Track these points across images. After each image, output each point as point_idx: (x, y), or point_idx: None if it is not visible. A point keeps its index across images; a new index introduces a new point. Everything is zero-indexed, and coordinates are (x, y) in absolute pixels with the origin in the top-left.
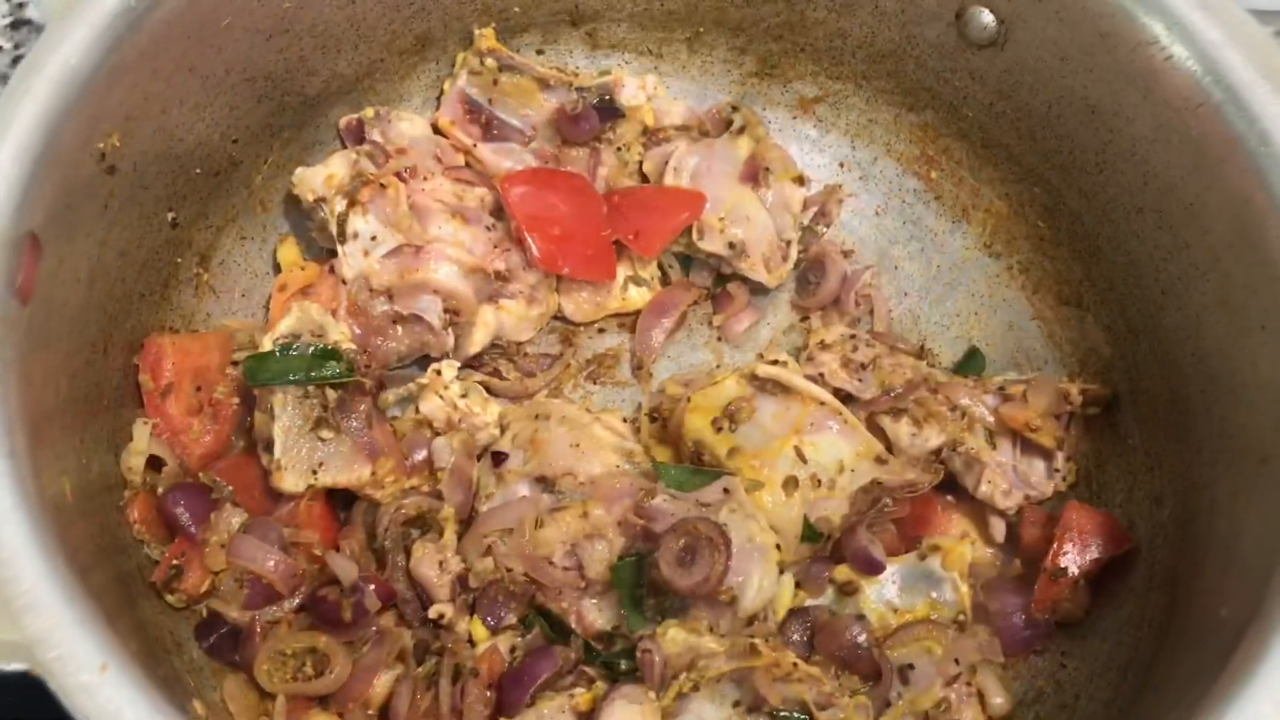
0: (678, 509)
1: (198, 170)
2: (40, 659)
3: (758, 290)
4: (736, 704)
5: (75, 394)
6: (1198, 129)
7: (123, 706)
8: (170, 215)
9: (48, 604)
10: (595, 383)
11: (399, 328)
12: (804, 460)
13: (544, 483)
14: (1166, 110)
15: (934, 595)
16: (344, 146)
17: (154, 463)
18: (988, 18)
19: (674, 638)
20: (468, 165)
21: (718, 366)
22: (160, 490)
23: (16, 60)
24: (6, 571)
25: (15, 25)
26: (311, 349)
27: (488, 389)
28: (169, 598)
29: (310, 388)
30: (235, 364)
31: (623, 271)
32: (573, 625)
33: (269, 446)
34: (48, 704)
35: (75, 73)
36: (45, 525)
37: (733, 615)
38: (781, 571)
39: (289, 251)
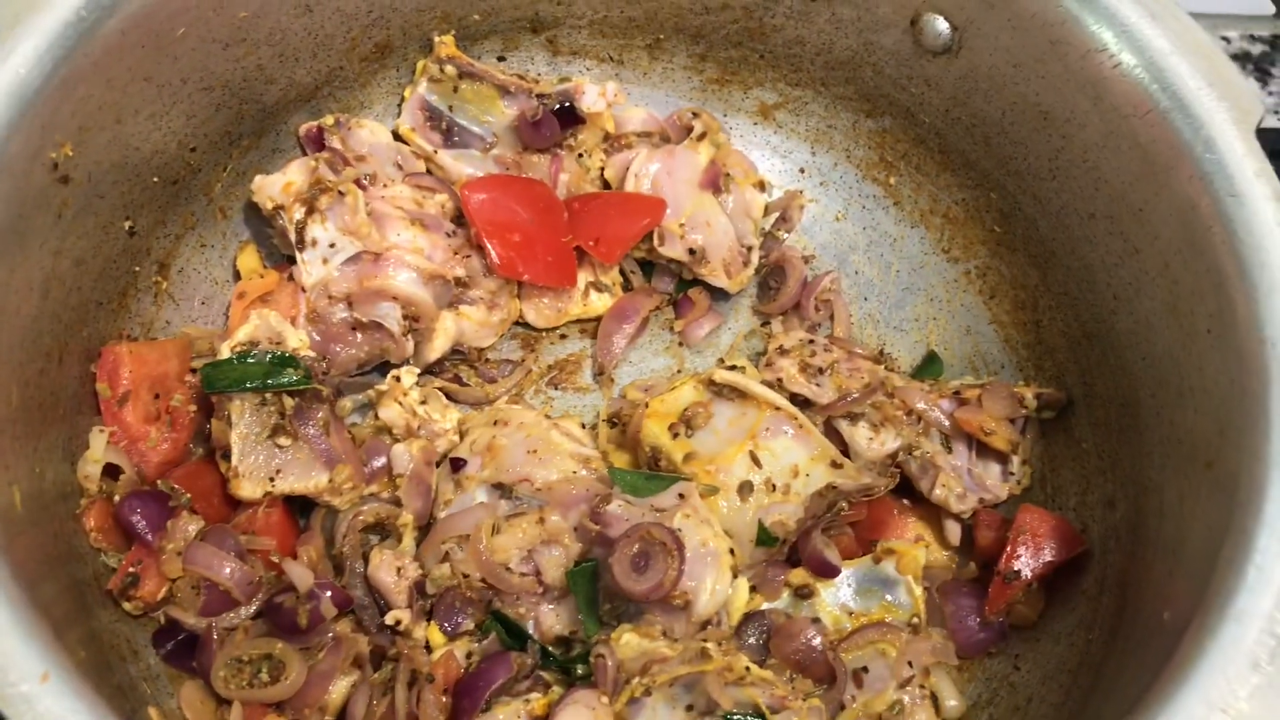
0: (633, 514)
1: (155, 179)
2: None
3: (719, 295)
4: (689, 708)
5: (28, 402)
6: (1146, 135)
7: (64, 716)
8: (128, 224)
9: None
10: (557, 388)
11: (358, 334)
12: (759, 465)
13: (501, 489)
14: (1116, 117)
15: (889, 598)
16: (304, 154)
17: (111, 470)
18: (942, 25)
19: (628, 642)
20: (429, 172)
21: (679, 371)
22: (117, 498)
23: None
24: None
25: None
26: (269, 356)
27: (448, 395)
28: (126, 605)
29: (268, 395)
30: (194, 372)
31: (584, 277)
32: (529, 630)
33: (226, 454)
34: None
35: (25, 83)
36: None
37: (687, 620)
38: (736, 576)
39: (249, 259)
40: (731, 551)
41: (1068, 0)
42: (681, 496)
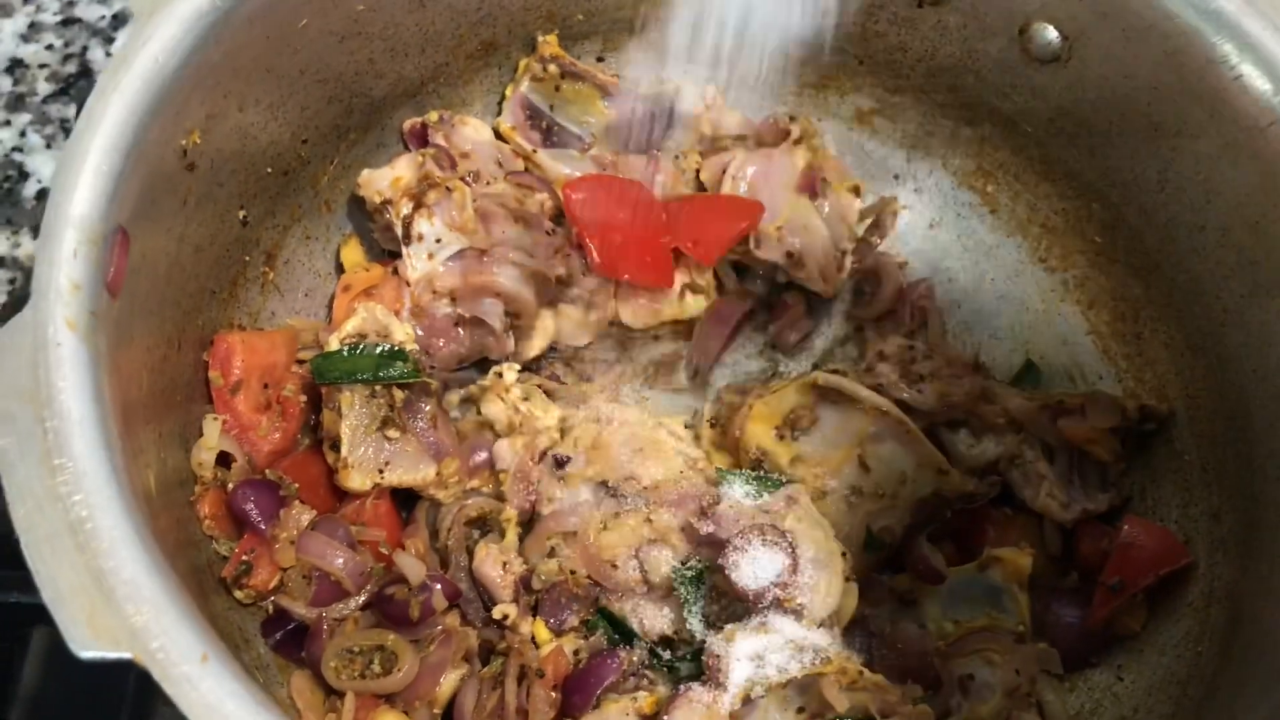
0: (742, 516)
1: (268, 169)
2: (144, 648)
3: (812, 300)
4: (800, 710)
5: (154, 388)
6: (1267, 148)
7: (224, 698)
8: (241, 213)
9: (148, 594)
10: (652, 388)
11: (461, 330)
12: (867, 470)
13: (607, 487)
14: (1234, 129)
15: (993, 606)
16: (406, 149)
17: (223, 459)
18: (1052, 34)
19: (742, 642)
20: (528, 171)
21: (773, 375)
22: (230, 486)
23: (67, 58)
24: (108, 562)
25: (65, 23)
26: (379, 349)
27: (546, 392)
28: (237, 593)
29: (377, 387)
30: (300, 363)
31: (680, 279)
32: (635, 628)
33: (336, 445)
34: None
35: (163, 70)
36: (140, 516)
37: (800, 623)
38: (848, 580)
39: (352, 252)
40: (844, 555)
41: (1186, 12)
42: (791, 499)
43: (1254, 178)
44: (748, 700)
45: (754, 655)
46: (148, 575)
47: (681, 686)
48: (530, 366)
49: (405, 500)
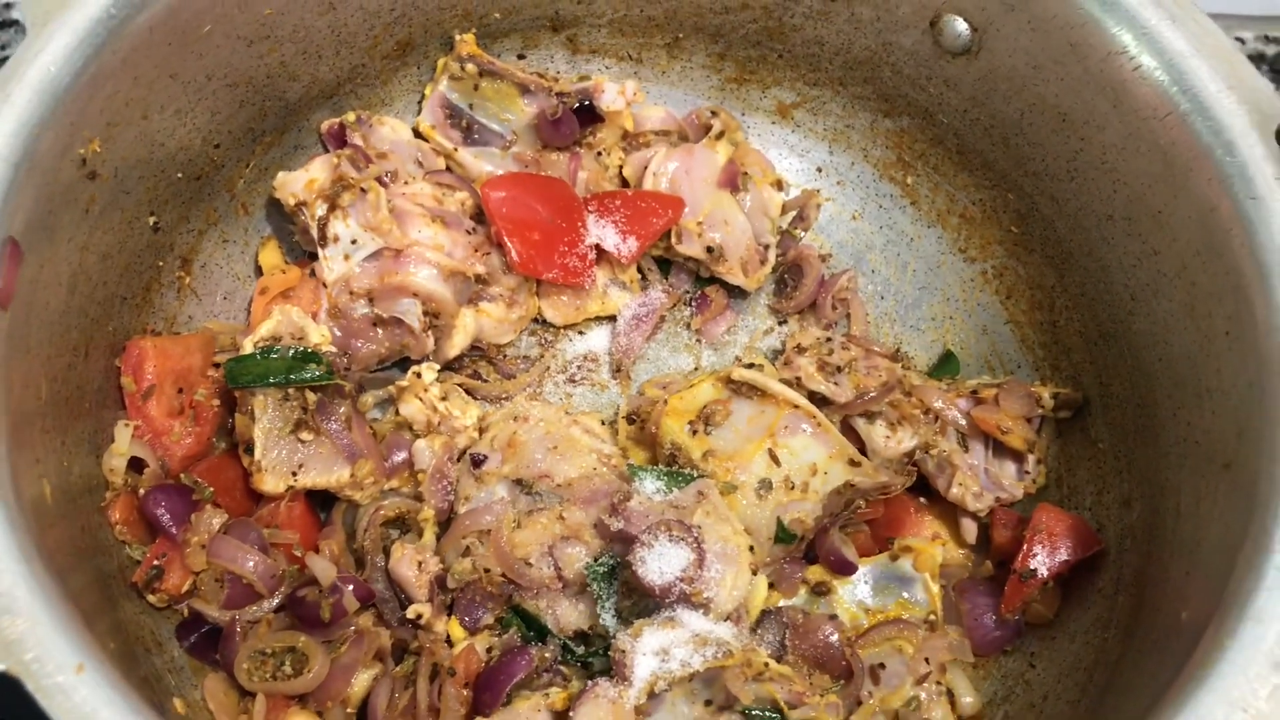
0: (652, 511)
1: (179, 175)
2: (17, 659)
3: (736, 294)
4: (708, 703)
5: (56, 397)
6: (1166, 138)
7: (99, 707)
8: (152, 219)
9: (24, 606)
10: (575, 384)
11: (379, 330)
12: (778, 463)
13: (521, 485)
14: (1135, 119)
15: (905, 595)
16: (325, 150)
17: (135, 464)
18: (962, 26)
19: (647, 637)
20: (448, 169)
21: (696, 369)
22: (141, 491)
23: (2, 61)
24: None
25: (2, 25)
26: (292, 352)
27: (468, 391)
28: (150, 597)
29: (290, 390)
30: (217, 366)
31: (602, 275)
32: (549, 625)
33: (250, 448)
34: (26, 704)
35: (56, 80)
36: (23, 528)
37: (707, 616)
38: (755, 573)
39: (271, 254)
40: (751, 549)
41: (1088, 3)
42: (701, 494)
43: (1155, 167)
44: (654, 694)
45: (659, 650)
46: (26, 587)
47: (589, 682)
48: (452, 365)
49: (324, 502)
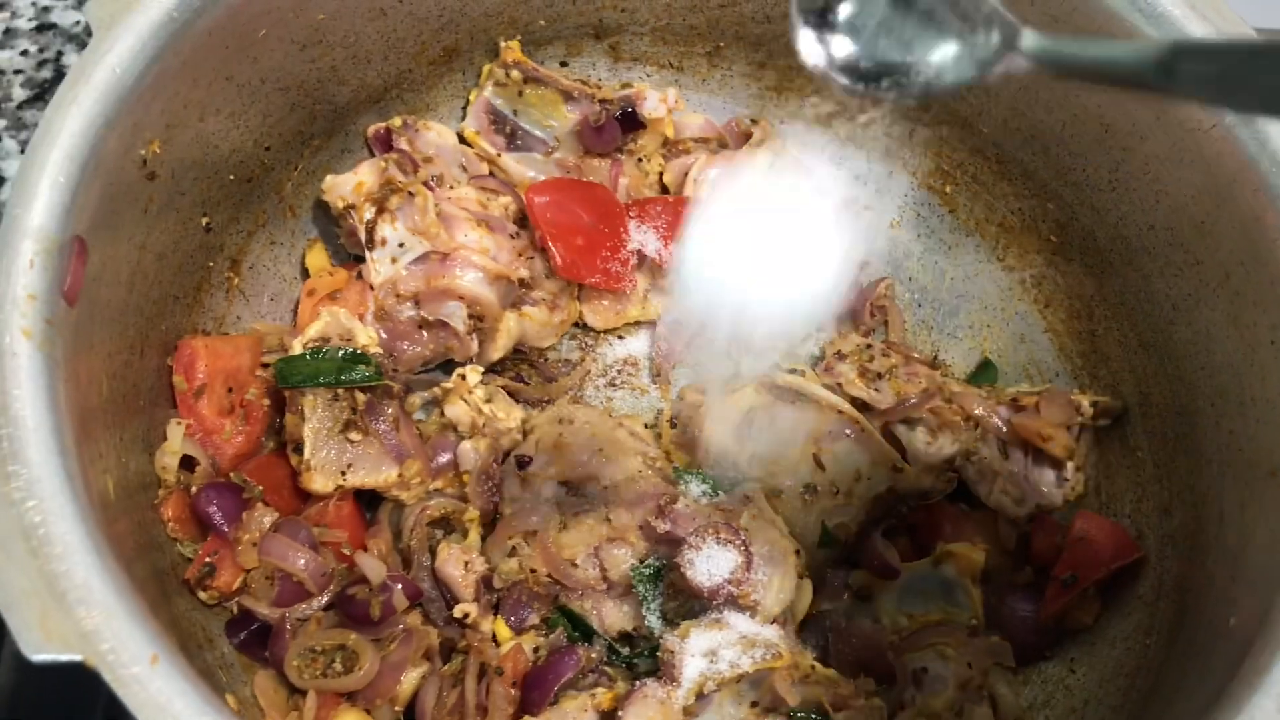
0: (699, 514)
1: (231, 177)
2: (94, 650)
3: None
4: (755, 704)
5: (115, 394)
6: (1210, 149)
7: (173, 698)
8: (204, 220)
9: (100, 598)
10: (615, 389)
11: (424, 332)
12: (822, 468)
13: (567, 486)
14: (1180, 130)
15: (947, 600)
16: (371, 154)
17: (187, 462)
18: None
19: (695, 639)
20: (492, 174)
21: (735, 374)
22: (193, 489)
23: (42, 64)
24: (60, 566)
25: (40, 29)
26: (341, 352)
27: (510, 393)
28: (201, 594)
29: (340, 390)
30: (265, 366)
31: (643, 281)
32: (595, 625)
33: (299, 448)
34: (101, 693)
35: (121, 81)
36: (93, 521)
37: (754, 619)
38: (801, 577)
39: (317, 257)
40: (798, 553)
41: (1132, 14)
42: (747, 498)
43: (1199, 178)
44: (701, 695)
45: (708, 651)
46: (99, 579)
47: (637, 682)
48: (494, 368)
49: (370, 501)
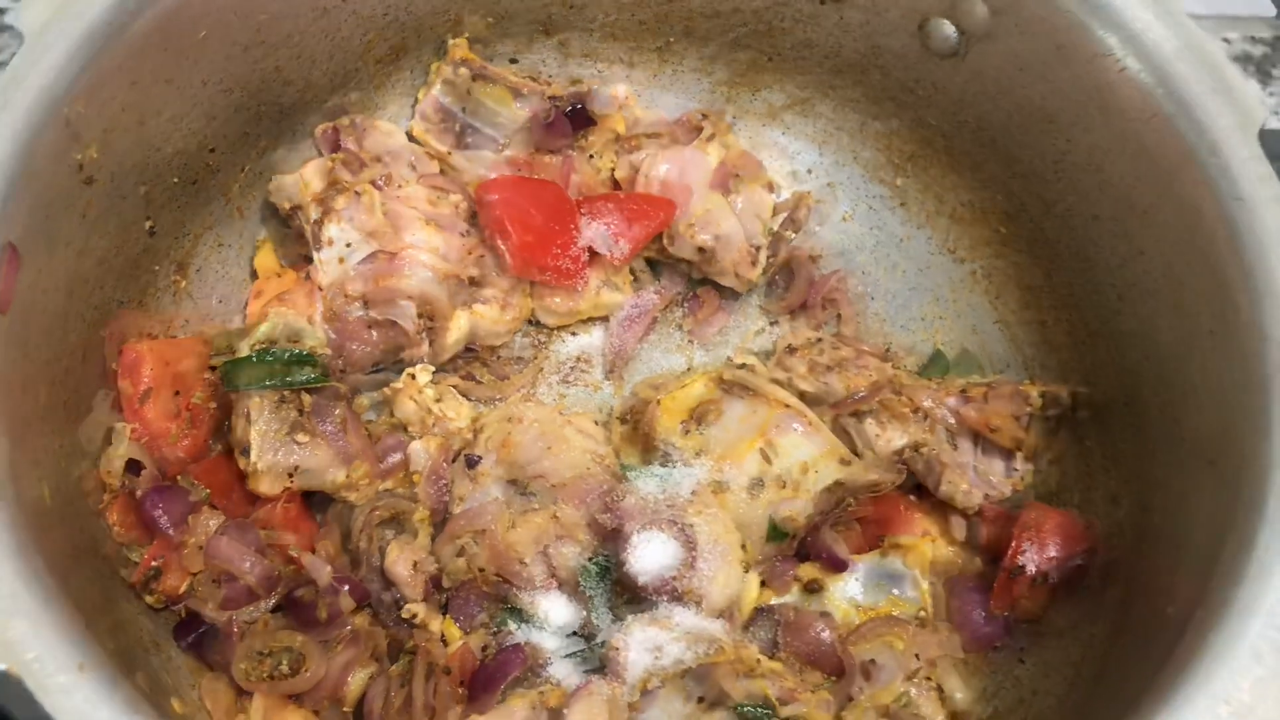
0: (646, 508)
1: (175, 179)
2: (18, 659)
3: (728, 294)
4: (700, 699)
5: (55, 400)
6: (1151, 139)
7: (98, 705)
8: (149, 224)
9: (26, 606)
10: (568, 385)
11: (374, 332)
12: (769, 461)
13: (515, 484)
14: (1121, 121)
15: (896, 592)
16: (321, 155)
17: (132, 467)
18: (949, 29)
19: (639, 635)
20: (442, 173)
21: (689, 369)
22: (139, 493)
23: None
24: None
25: None
26: (287, 354)
27: (462, 392)
28: (148, 598)
29: (286, 392)
30: (213, 369)
31: (595, 277)
32: (543, 623)
33: (245, 450)
34: (28, 703)
35: (54, 87)
36: (24, 529)
37: (698, 613)
38: (747, 570)
39: (266, 258)
40: (743, 547)
41: (1074, 6)
42: (694, 492)
43: (1141, 168)
44: (646, 691)
45: (652, 647)
46: (26, 587)
47: (581, 679)
48: (446, 366)
49: (321, 502)
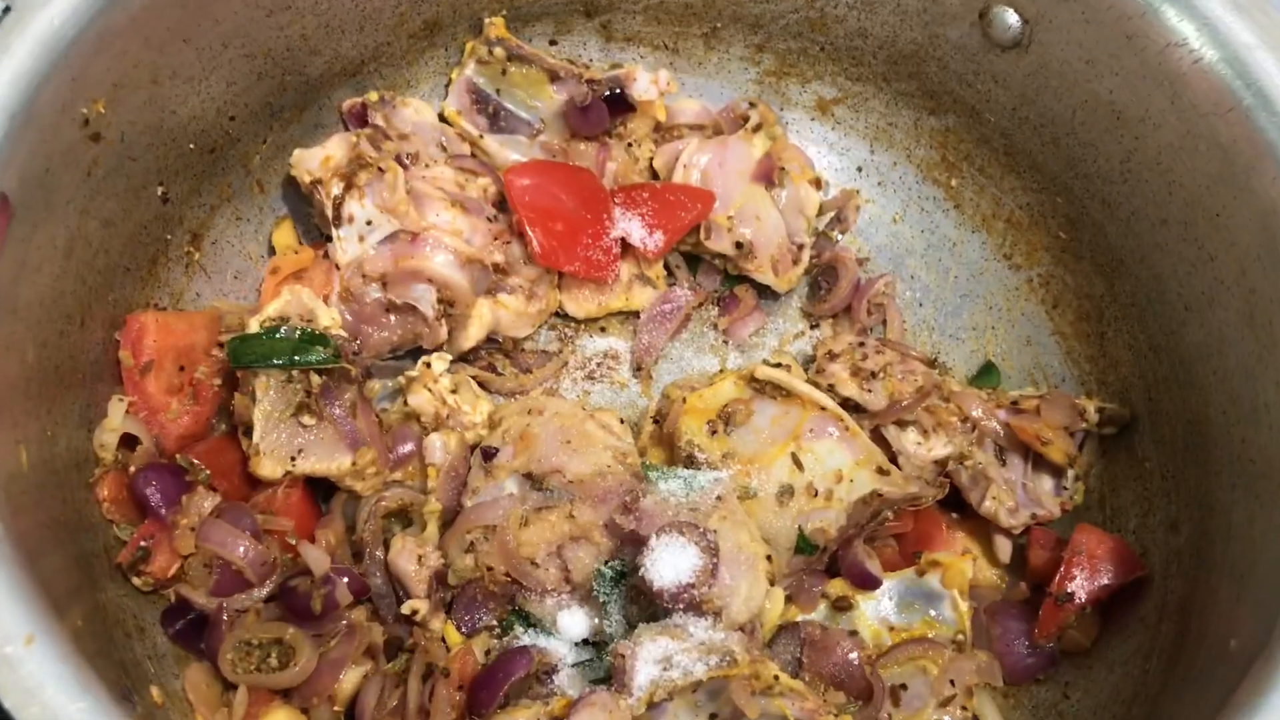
0: (667, 513)
1: (191, 145)
2: None
3: (767, 295)
4: (713, 716)
5: (45, 364)
6: (1227, 135)
7: (45, 681)
8: (161, 189)
9: None
10: (594, 381)
11: (392, 316)
12: (801, 468)
13: (532, 479)
14: (1194, 115)
15: (932, 613)
16: (346, 130)
17: (128, 442)
18: (1012, 18)
19: (648, 643)
20: (473, 155)
21: (721, 371)
22: (132, 469)
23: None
24: None
25: None
26: (298, 332)
27: (481, 384)
28: (135, 580)
29: (294, 372)
30: (221, 346)
31: (628, 270)
32: (552, 629)
33: (249, 430)
34: None
35: (59, 34)
36: None
37: (717, 626)
38: (772, 583)
39: (285, 235)
40: (769, 558)
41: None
42: (719, 497)
43: (1214, 166)
44: (653, 704)
45: (661, 658)
46: None
47: (585, 689)
48: (467, 358)
49: (326, 492)
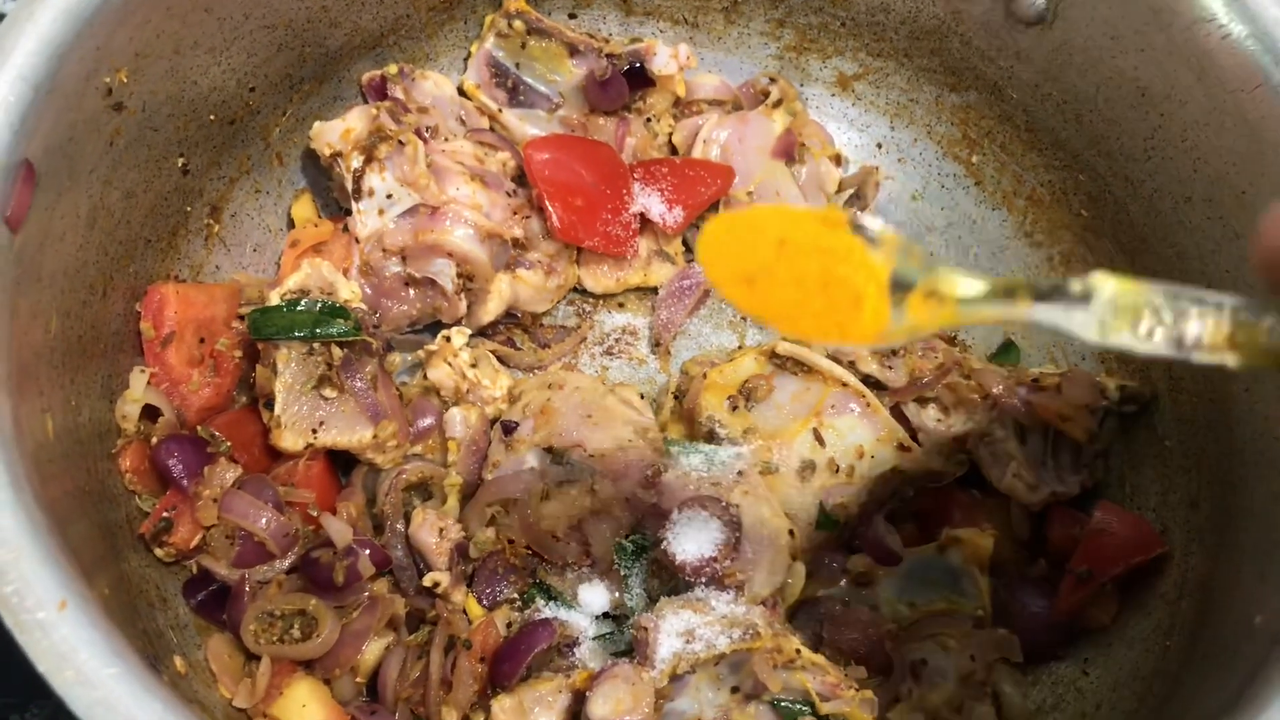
0: (689, 486)
1: (212, 117)
2: None
3: None
4: (735, 689)
5: (69, 334)
6: (1254, 112)
7: (78, 647)
8: (181, 161)
9: (10, 535)
10: (612, 357)
11: (411, 290)
12: (822, 444)
13: (552, 453)
14: (1221, 92)
15: (953, 590)
16: (366, 103)
17: (150, 413)
18: None
19: (670, 616)
20: (492, 130)
21: (740, 347)
22: (154, 440)
23: None
24: None
25: None
26: (319, 305)
27: (500, 358)
28: (157, 551)
29: (316, 345)
30: (242, 319)
31: (646, 245)
32: (573, 602)
33: (270, 402)
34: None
35: (83, 2)
36: (18, 458)
37: (739, 600)
38: (794, 559)
39: (304, 208)
40: (791, 533)
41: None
42: (740, 472)
43: (1240, 144)
44: (676, 677)
45: (684, 631)
46: (13, 516)
47: (609, 661)
48: (486, 332)
49: (347, 467)
